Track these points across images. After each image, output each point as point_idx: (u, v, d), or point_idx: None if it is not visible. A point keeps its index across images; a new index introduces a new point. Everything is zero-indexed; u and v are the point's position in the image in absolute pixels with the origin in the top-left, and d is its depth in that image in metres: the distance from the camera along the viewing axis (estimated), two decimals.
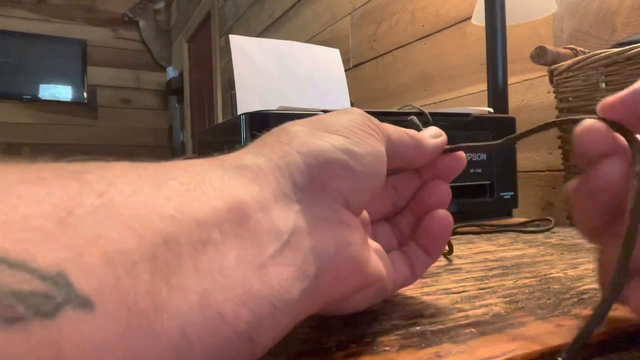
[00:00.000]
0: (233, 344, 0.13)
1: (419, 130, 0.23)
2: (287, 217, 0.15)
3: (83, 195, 0.11)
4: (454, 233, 0.48)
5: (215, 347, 0.12)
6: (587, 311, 0.21)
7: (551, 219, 0.51)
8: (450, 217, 0.23)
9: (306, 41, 1.49)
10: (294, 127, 0.18)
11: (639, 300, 0.17)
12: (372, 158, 0.18)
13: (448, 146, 0.23)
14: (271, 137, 0.18)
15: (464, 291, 0.25)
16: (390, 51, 1.25)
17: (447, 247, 0.34)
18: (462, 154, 0.24)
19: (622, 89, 0.18)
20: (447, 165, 0.23)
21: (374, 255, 0.19)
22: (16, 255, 0.10)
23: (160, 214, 0.12)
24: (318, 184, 0.16)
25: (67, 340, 0.09)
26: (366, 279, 0.18)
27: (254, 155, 0.16)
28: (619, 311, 0.21)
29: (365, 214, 0.22)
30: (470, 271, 0.30)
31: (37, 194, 0.11)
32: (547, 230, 0.48)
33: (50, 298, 0.09)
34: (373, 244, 0.21)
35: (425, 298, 0.24)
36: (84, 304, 0.10)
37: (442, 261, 0.34)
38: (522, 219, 0.59)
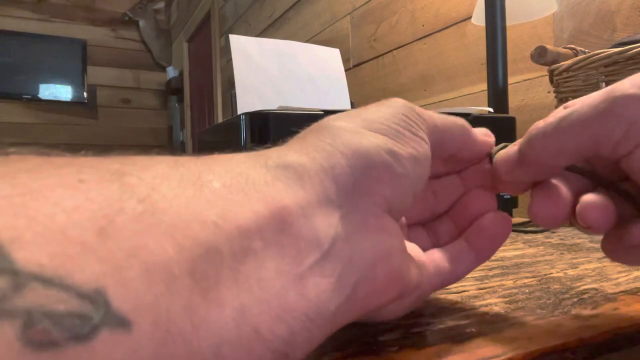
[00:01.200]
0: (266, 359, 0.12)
1: None
2: (329, 224, 0.14)
3: (124, 200, 0.11)
4: None
5: None
6: (587, 311, 0.21)
7: None
8: (509, 220, 0.22)
9: (306, 41, 1.49)
10: (335, 123, 0.17)
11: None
12: (415, 161, 0.17)
13: (497, 147, 0.22)
14: (312, 134, 0.16)
15: (464, 291, 0.25)
16: (390, 51, 1.25)
17: None
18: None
19: None
20: (494, 172, 0.22)
21: (414, 263, 0.18)
22: (52, 271, 0.09)
23: (202, 220, 0.12)
24: (362, 187, 0.15)
25: None
26: (405, 289, 0.17)
27: (297, 154, 0.15)
28: (619, 311, 0.21)
29: (402, 218, 0.21)
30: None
31: (75, 199, 0.10)
32: (547, 230, 0.48)
33: (86, 319, 0.09)
34: (412, 249, 0.20)
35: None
36: (122, 323, 0.09)
37: None
38: (522, 219, 0.59)
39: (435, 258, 0.20)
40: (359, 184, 0.15)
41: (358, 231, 0.15)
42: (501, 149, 0.21)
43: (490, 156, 0.22)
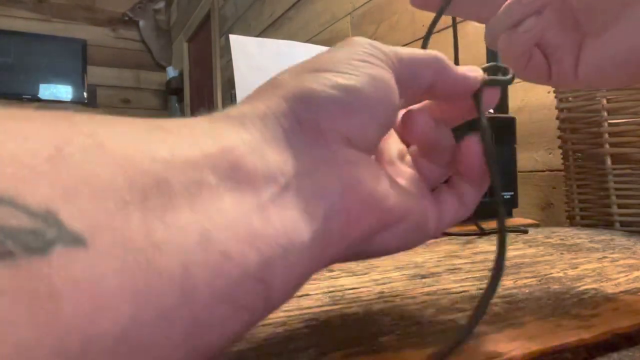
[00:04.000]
0: (244, 286, 0.12)
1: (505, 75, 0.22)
2: (283, 161, 0.15)
3: (72, 134, 0.11)
4: (454, 234, 0.48)
5: (224, 289, 0.12)
6: (587, 311, 0.21)
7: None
8: (477, 140, 0.21)
9: (306, 41, 1.49)
10: (282, 75, 0.17)
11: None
12: (373, 88, 0.17)
13: (491, 79, 0.21)
14: (257, 90, 0.17)
15: (464, 291, 0.25)
16: None
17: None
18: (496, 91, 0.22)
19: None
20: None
21: (395, 190, 0.18)
22: (3, 191, 0.09)
23: (151, 156, 0.12)
24: (310, 127, 0.16)
25: (60, 276, 0.09)
26: (388, 215, 0.17)
27: (239, 107, 0.16)
28: (619, 311, 0.21)
29: (389, 152, 0.21)
30: (470, 271, 0.30)
31: (25, 130, 0.10)
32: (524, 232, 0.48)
33: (39, 235, 0.09)
34: (401, 179, 0.20)
35: (425, 298, 0.24)
36: (76, 240, 0.10)
37: (443, 261, 0.34)
38: (522, 220, 0.59)
39: (439, 192, 0.21)
40: (306, 123, 0.15)
41: (318, 166, 0.15)
42: (488, 82, 0.21)
43: (475, 93, 0.21)
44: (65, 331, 0.09)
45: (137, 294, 0.10)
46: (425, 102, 0.22)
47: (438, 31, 1.09)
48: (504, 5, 0.25)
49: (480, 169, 0.21)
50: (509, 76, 0.22)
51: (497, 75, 0.21)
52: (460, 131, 0.22)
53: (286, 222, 0.13)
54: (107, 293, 0.10)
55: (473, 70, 0.21)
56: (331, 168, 0.15)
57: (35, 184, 0.10)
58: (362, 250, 0.18)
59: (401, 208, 0.18)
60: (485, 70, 0.21)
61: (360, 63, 0.17)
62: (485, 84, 0.21)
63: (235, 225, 0.12)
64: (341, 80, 0.16)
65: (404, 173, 0.21)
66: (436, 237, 0.22)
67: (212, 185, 0.13)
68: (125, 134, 0.12)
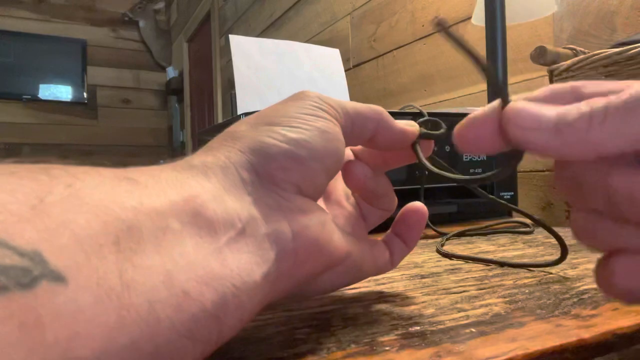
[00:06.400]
0: (200, 322, 0.13)
1: (437, 129, 0.24)
2: (240, 208, 0.16)
3: (52, 186, 0.13)
4: (454, 234, 0.48)
5: (183, 323, 0.13)
6: (587, 311, 0.21)
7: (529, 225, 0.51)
8: (424, 209, 0.24)
9: (306, 41, 1.49)
10: (237, 128, 0.19)
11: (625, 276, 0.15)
12: (321, 139, 0.18)
13: (425, 132, 0.23)
14: (217, 141, 0.18)
15: (464, 291, 0.25)
16: (390, 51, 1.25)
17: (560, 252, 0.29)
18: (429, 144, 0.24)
19: None
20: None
21: (338, 234, 0.19)
22: None
23: (121, 204, 0.13)
24: (266, 177, 0.17)
25: (44, 307, 0.10)
26: (331, 257, 0.19)
27: (201, 157, 0.17)
28: (619, 311, 0.21)
29: (336, 192, 0.24)
30: (470, 271, 0.30)
31: (11, 183, 0.12)
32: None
33: (28, 272, 0.11)
34: (345, 226, 0.23)
35: (425, 298, 0.24)
36: (58, 278, 0.11)
37: (443, 261, 0.34)
38: (522, 220, 0.59)
39: (375, 244, 0.23)
40: (262, 175, 0.17)
41: (271, 212, 0.17)
42: (423, 135, 0.23)
43: (413, 145, 0.23)
44: (48, 354, 0.10)
45: (109, 325, 0.11)
46: (360, 147, 0.25)
47: (438, 31, 1.08)
48: None
49: (417, 235, 0.24)
50: (442, 130, 0.24)
51: (432, 129, 0.24)
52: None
53: (241, 264, 0.15)
54: (83, 323, 0.11)
55: (410, 125, 0.23)
56: (284, 214, 0.17)
57: (23, 228, 0.11)
58: (304, 289, 0.20)
59: (341, 252, 0.19)
60: (420, 124, 0.24)
61: (310, 117, 0.19)
62: (421, 137, 0.23)
63: (195, 268, 0.14)
64: (292, 134, 0.18)
65: (348, 213, 0.24)
66: (383, 273, 0.24)
67: (176, 230, 0.14)
68: (98, 185, 0.13)
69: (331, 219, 0.19)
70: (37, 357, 0.10)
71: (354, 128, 0.21)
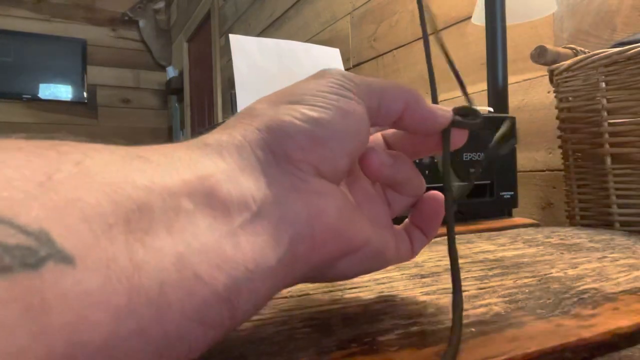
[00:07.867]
0: (212, 306, 0.13)
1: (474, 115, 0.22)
2: (256, 189, 0.15)
3: (61, 162, 0.12)
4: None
5: (194, 307, 0.12)
6: (587, 311, 0.21)
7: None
8: (441, 197, 0.23)
9: (306, 41, 1.48)
10: (257, 105, 0.18)
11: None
12: (342, 120, 0.17)
13: (459, 120, 0.21)
14: (234, 119, 0.18)
15: (464, 291, 0.25)
16: (390, 51, 1.25)
17: None
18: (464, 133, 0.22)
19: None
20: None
21: (359, 219, 0.19)
22: (1, 212, 0.10)
23: (132, 183, 0.13)
24: (282, 157, 0.16)
25: (51, 290, 0.10)
26: (350, 243, 0.18)
27: (216, 135, 0.17)
28: (619, 311, 0.21)
29: (361, 176, 0.22)
30: (470, 271, 0.30)
31: (17, 159, 0.11)
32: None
33: (33, 251, 0.10)
34: (368, 211, 0.21)
35: (425, 298, 0.24)
36: (66, 259, 0.10)
37: (443, 260, 0.34)
38: (522, 220, 0.59)
39: (398, 232, 0.23)
40: (278, 154, 0.16)
41: (288, 194, 0.16)
42: (456, 123, 0.21)
43: (444, 131, 0.22)
44: (53, 339, 0.10)
45: (118, 308, 0.11)
46: (392, 131, 0.23)
47: (438, 31, 1.08)
48: None
49: (436, 226, 0.23)
50: (478, 120, 0.22)
51: (467, 118, 0.22)
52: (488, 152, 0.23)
53: (255, 247, 0.14)
54: (91, 307, 0.11)
55: (444, 109, 0.21)
56: (300, 196, 0.16)
57: (29, 206, 0.11)
58: (322, 274, 0.19)
59: (361, 238, 0.19)
60: (455, 111, 0.22)
61: (332, 95, 0.18)
62: (454, 124, 0.21)
63: (208, 250, 0.13)
64: (312, 113, 0.17)
65: (372, 199, 0.22)
66: (405, 261, 0.23)
67: (189, 210, 0.13)
68: (108, 163, 0.13)
69: (352, 203, 0.19)
70: (42, 342, 0.10)
71: (380, 109, 0.19)
